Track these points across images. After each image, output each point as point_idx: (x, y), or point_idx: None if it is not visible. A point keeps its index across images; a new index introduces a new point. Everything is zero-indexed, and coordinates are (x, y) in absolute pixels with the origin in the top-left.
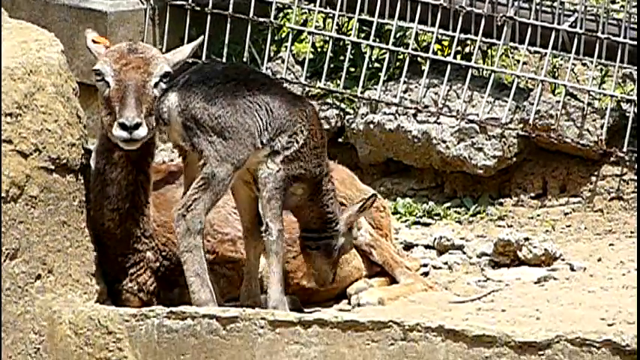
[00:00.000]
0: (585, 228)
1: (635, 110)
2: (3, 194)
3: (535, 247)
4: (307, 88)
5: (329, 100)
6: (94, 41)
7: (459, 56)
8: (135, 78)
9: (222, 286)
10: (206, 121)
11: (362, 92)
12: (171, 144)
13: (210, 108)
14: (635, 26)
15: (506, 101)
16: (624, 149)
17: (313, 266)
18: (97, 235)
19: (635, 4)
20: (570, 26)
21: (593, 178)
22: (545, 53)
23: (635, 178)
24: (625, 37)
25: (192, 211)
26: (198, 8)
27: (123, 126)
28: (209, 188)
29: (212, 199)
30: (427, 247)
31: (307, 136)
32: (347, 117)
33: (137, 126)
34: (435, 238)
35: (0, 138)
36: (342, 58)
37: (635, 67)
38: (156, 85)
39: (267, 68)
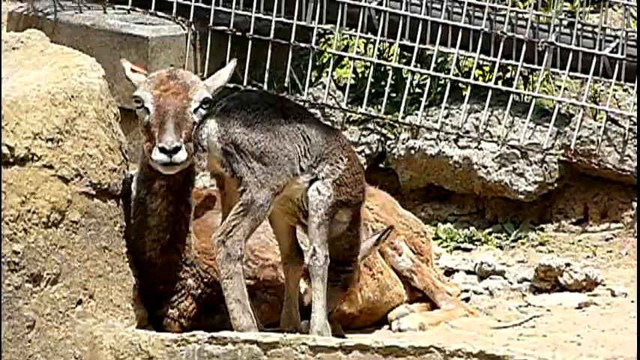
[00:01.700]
0: (626, 254)
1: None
2: (44, 219)
3: (576, 272)
4: (348, 114)
5: (370, 126)
6: (132, 70)
7: (500, 82)
8: (174, 103)
9: (264, 311)
10: (246, 146)
11: (403, 117)
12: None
13: (250, 133)
14: None
15: (548, 127)
16: (637, 165)
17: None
18: (138, 263)
19: None
20: (611, 52)
21: (634, 204)
22: (587, 79)
23: None
24: (638, 57)
25: (232, 238)
26: (239, 34)
27: (163, 150)
28: (248, 214)
29: (251, 225)
30: (468, 272)
31: (348, 163)
32: (388, 142)
33: (177, 150)
34: (476, 264)
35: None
36: (383, 83)
37: None
38: (195, 110)
39: (308, 94)
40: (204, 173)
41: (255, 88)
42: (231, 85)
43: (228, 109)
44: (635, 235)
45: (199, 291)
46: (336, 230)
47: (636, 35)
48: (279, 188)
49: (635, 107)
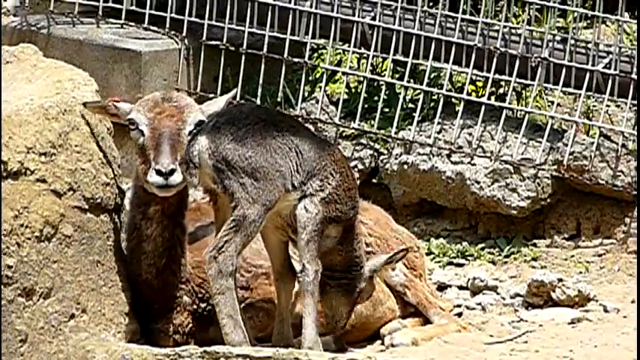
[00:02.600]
0: (619, 269)
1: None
2: (37, 233)
3: (569, 288)
4: (341, 129)
5: (363, 141)
6: (115, 101)
7: (493, 97)
8: (169, 126)
9: (262, 319)
10: (237, 161)
11: (396, 133)
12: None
13: (241, 149)
14: None
15: (540, 142)
16: (637, 180)
17: (329, 305)
18: (133, 283)
19: None
20: (605, 67)
21: (627, 220)
22: (580, 94)
23: None
24: (638, 74)
25: (224, 253)
26: (232, 48)
27: (159, 172)
28: (240, 230)
29: (243, 241)
30: (461, 287)
31: (339, 179)
32: (381, 157)
33: (172, 172)
34: (469, 279)
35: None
36: (376, 98)
37: None
38: (190, 133)
39: (301, 108)
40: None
41: (248, 102)
42: None
43: (219, 125)
44: (628, 251)
45: (194, 306)
46: (326, 245)
47: (636, 51)
48: (271, 203)
49: (628, 123)
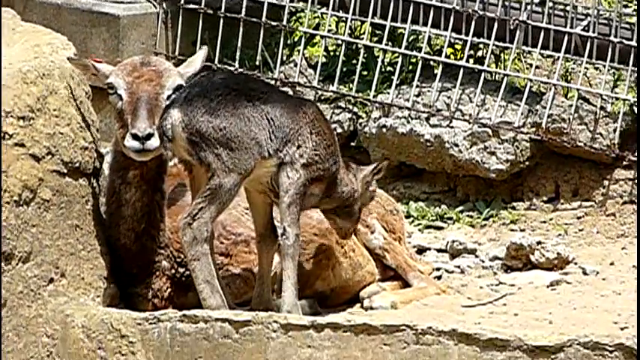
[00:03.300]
0: (598, 232)
1: None
2: (15, 197)
3: (548, 250)
4: (320, 92)
5: (341, 104)
6: (96, 61)
7: (471, 60)
8: (147, 90)
9: (239, 287)
10: (211, 133)
11: (374, 96)
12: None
13: (214, 120)
14: None
15: (519, 105)
16: (637, 153)
17: (335, 224)
18: (112, 247)
19: None
20: (583, 30)
21: (606, 182)
22: (558, 57)
23: None
24: (638, 41)
25: (199, 220)
26: (211, 12)
27: (135, 136)
28: (215, 198)
29: (218, 208)
30: (440, 250)
31: (317, 139)
32: (359, 121)
33: (149, 136)
34: (448, 242)
35: (0, 140)
36: (354, 61)
37: None
38: (168, 97)
39: (279, 72)
40: None
41: (219, 70)
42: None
43: (191, 97)
44: (607, 213)
45: (173, 271)
46: (310, 202)
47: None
48: (246, 172)
49: (607, 86)
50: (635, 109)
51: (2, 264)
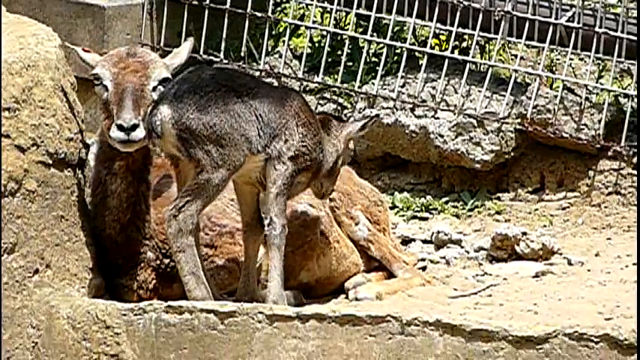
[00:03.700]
0: (583, 222)
1: (633, 105)
2: (1, 189)
3: (533, 241)
4: (305, 83)
5: (326, 95)
6: (84, 50)
7: (456, 51)
8: (133, 81)
9: (223, 278)
10: (201, 130)
11: (359, 87)
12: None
13: (205, 117)
14: (633, 21)
15: (504, 96)
16: (622, 144)
17: (317, 187)
18: (97, 238)
19: None
20: (568, 21)
21: (591, 173)
22: (543, 48)
23: (633, 172)
24: (622, 32)
25: (184, 212)
26: (195, 2)
27: (120, 127)
28: (203, 192)
29: (205, 202)
30: (425, 241)
31: (303, 131)
32: (345, 111)
33: (134, 127)
34: (433, 233)
35: (0, 134)
36: (339, 52)
37: (633, 62)
38: (154, 89)
39: (264, 63)
40: None
41: (207, 65)
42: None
43: (181, 94)
44: (592, 204)
45: (158, 262)
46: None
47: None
48: (235, 168)
49: (592, 76)
50: (620, 99)
51: None
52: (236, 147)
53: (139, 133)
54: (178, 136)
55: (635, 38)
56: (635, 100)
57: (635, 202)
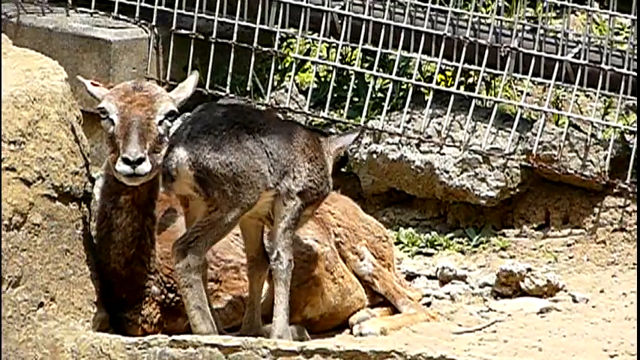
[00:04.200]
0: (588, 259)
1: (637, 141)
2: (6, 222)
3: (538, 278)
4: (311, 118)
5: (332, 130)
6: (93, 84)
7: (462, 87)
8: (139, 115)
9: (228, 313)
10: (218, 169)
11: (365, 122)
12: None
13: (221, 156)
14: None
15: (510, 132)
16: (627, 181)
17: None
18: (102, 272)
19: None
20: (574, 57)
21: (596, 210)
22: (549, 84)
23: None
24: (628, 69)
25: (193, 249)
26: (202, 37)
27: (126, 161)
28: (214, 229)
29: (215, 239)
30: (430, 277)
31: (310, 167)
32: (350, 147)
33: (140, 161)
34: (438, 269)
35: (0, 166)
36: (345, 87)
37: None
38: (160, 122)
39: (270, 98)
40: None
41: (214, 102)
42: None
43: (195, 135)
44: (597, 241)
45: (163, 297)
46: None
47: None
48: (249, 207)
49: (597, 113)
50: (626, 136)
51: None
52: (252, 184)
53: (145, 166)
54: (196, 177)
55: None
56: None
57: None
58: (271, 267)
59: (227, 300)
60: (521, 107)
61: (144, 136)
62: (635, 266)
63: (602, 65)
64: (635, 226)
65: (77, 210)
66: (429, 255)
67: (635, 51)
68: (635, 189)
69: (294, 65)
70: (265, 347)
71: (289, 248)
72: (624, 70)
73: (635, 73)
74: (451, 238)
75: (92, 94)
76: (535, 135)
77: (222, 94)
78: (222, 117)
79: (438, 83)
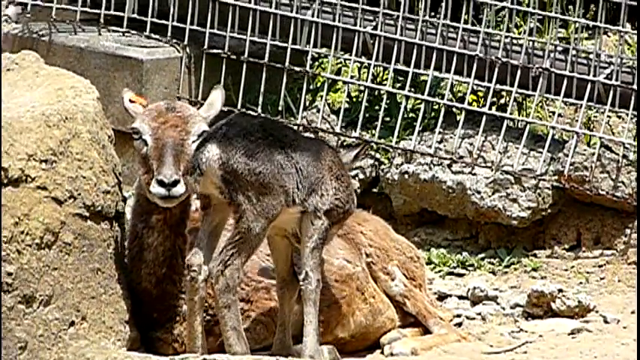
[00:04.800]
0: (619, 280)
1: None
2: (37, 240)
3: (569, 298)
4: (342, 138)
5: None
6: (131, 100)
7: (494, 107)
8: (173, 136)
9: (259, 332)
10: (246, 175)
11: (397, 142)
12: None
13: (252, 163)
14: None
15: (541, 152)
16: (637, 177)
17: None
18: (133, 291)
19: None
20: (606, 78)
21: (627, 231)
22: (581, 105)
23: None
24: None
25: (230, 267)
26: (234, 57)
27: (161, 183)
28: (245, 242)
29: (248, 253)
30: (461, 297)
31: (337, 185)
32: (382, 167)
33: (175, 183)
34: (469, 289)
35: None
36: (377, 107)
37: None
38: (194, 143)
39: (302, 118)
40: None
41: (252, 112)
42: (225, 109)
43: (231, 136)
44: (628, 262)
45: None
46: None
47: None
48: (273, 217)
49: (629, 134)
50: None
51: (24, 306)
52: (274, 197)
53: (180, 188)
54: (222, 177)
55: None
56: None
57: None
58: (300, 287)
59: (258, 319)
60: (553, 128)
61: (178, 157)
62: None
63: (634, 86)
64: None
65: (108, 229)
66: (461, 275)
67: None
68: None
69: (325, 85)
70: None
71: (318, 268)
72: None
73: None
74: (482, 259)
75: (127, 110)
76: (567, 156)
77: (254, 114)
78: (258, 126)
79: (469, 103)
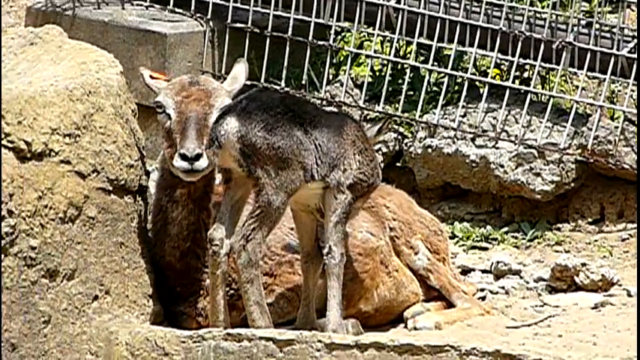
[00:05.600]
0: None
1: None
2: (61, 215)
3: (592, 272)
4: (365, 112)
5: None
6: (151, 77)
7: (517, 81)
8: (196, 110)
9: (283, 307)
10: (265, 149)
11: (420, 116)
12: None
13: (271, 137)
14: None
15: (565, 126)
16: (637, 158)
17: None
18: (157, 265)
19: None
20: (630, 52)
21: None
22: (604, 79)
23: None
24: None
25: (253, 241)
26: (257, 31)
27: (184, 157)
28: (266, 217)
29: (269, 227)
30: (484, 271)
31: (360, 159)
32: (405, 141)
33: (198, 157)
34: (492, 263)
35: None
36: (400, 81)
37: None
38: None
39: (325, 91)
40: None
41: (274, 87)
42: (249, 83)
43: (250, 110)
44: None
45: None
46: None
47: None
48: (292, 191)
49: None
50: None
51: (47, 280)
52: (293, 172)
53: (203, 162)
54: (241, 151)
55: None
56: None
57: None
58: (324, 261)
59: (281, 294)
60: (576, 102)
61: (201, 131)
62: None
63: None
64: None
65: (132, 203)
66: (484, 249)
67: None
68: None
69: (349, 59)
70: (320, 341)
71: (341, 242)
72: None
73: None
74: (506, 233)
75: (149, 86)
76: (590, 130)
77: (278, 87)
78: (279, 101)
79: (493, 77)
